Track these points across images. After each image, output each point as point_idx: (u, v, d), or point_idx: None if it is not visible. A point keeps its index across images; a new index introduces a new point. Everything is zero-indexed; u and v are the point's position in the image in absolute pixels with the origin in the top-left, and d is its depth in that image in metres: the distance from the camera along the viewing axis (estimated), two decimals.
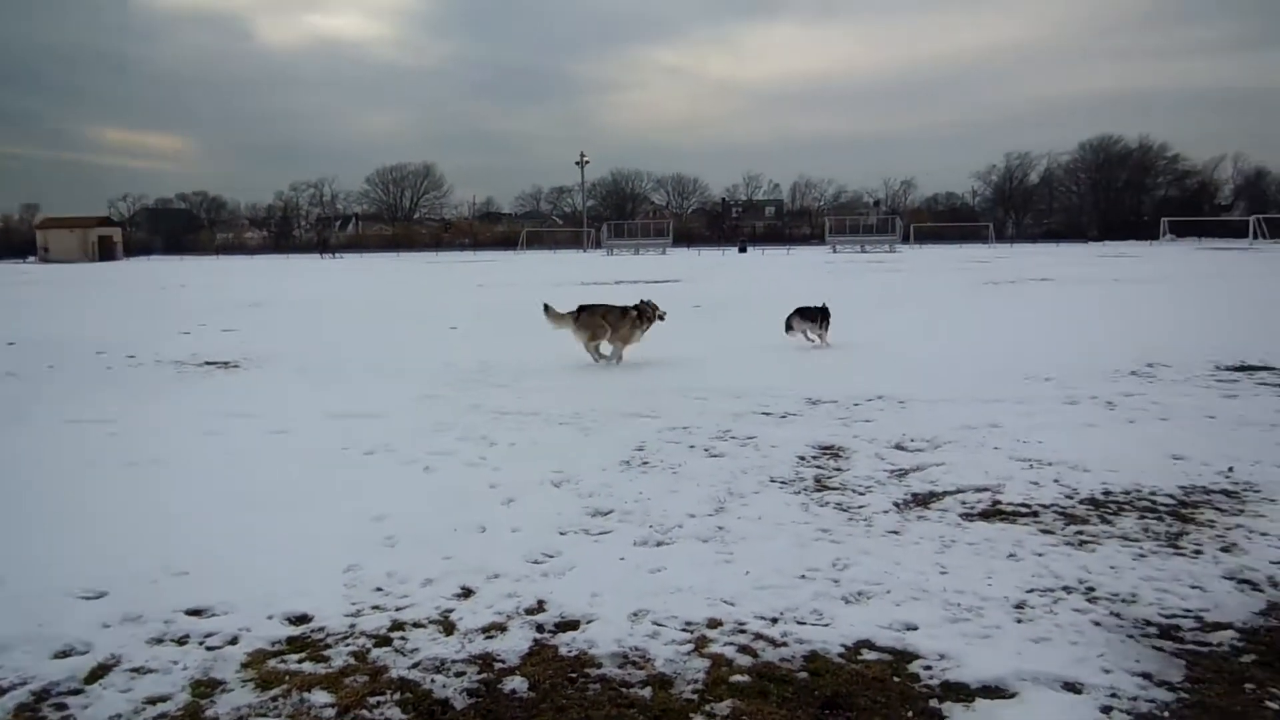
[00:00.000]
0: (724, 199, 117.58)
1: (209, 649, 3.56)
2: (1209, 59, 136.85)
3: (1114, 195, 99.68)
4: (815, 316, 11.66)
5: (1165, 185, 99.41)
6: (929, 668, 3.28)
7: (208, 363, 11.16)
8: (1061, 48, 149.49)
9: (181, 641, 3.63)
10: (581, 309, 10.41)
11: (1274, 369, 9.09)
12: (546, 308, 10.59)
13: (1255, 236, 67.54)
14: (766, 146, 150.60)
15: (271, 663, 3.45)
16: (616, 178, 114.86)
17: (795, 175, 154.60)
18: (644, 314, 10.49)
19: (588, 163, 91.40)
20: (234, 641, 3.61)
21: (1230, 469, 5.47)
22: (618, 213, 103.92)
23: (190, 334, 14.56)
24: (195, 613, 3.85)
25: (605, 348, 10.32)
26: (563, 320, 10.28)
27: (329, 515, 4.98)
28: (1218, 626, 3.53)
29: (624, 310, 10.49)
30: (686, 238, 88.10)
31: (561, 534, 4.65)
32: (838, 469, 5.71)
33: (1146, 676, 3.19)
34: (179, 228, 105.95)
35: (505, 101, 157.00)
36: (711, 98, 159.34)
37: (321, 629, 3.71)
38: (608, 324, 10.28)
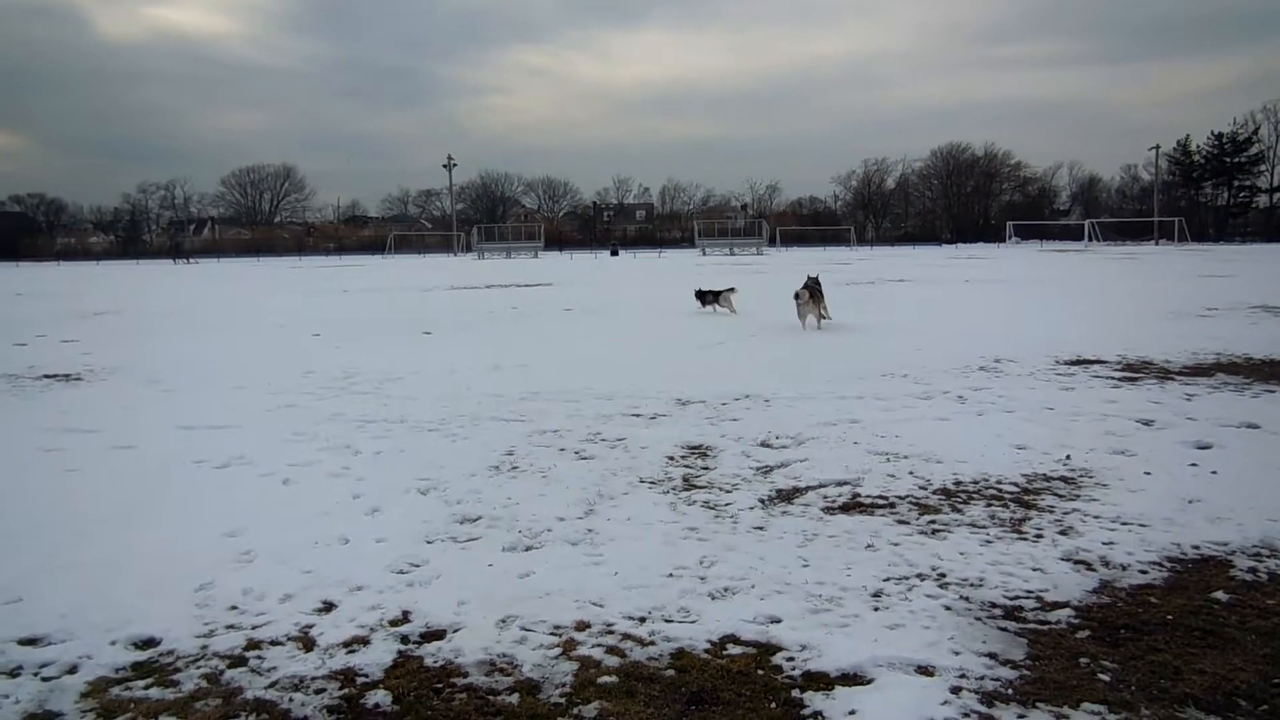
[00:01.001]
0: (595, 202, 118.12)
1: (44, 679, 3.33)
2: (1047, 72, 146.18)
3: (964, 200, 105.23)
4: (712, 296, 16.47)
5: (1010, 190, 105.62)
6: (791, 659, 3.37)
7: (46, 375, 10.44)
8: (917, 58, 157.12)
9: (13, 674, 3.38)
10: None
11: (1106, 362, 9.75)
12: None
13: (1090, 239, 72.56)
14: (636, 150, 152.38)
15: (115, 691, 3.26)
16: (486, 180, 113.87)
17: (665, 179, 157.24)
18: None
19: (455, 165, 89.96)
20: (73, 670, 3.39)
21: (1067, 457, 5.82)
22: (488, 216, 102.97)
23: (27, 345, 13.59)
24: (29, 642, 3.60)
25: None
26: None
27: (179, 533, 4.74)
28: (1056, 605, 3.75)
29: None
30: (559, 241, 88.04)
31: (428, 543, 4.56)
32: (705, 468, 5.80)
33: (992, 656, 3.36)
34: (13, 231, 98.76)
35: (370, 103, 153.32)
36: (581, 101, 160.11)
37: (170, 652, 3.52)
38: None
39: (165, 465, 6.14)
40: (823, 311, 13.59)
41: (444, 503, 5.18)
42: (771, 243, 74.62)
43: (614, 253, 70.98)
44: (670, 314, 16.59)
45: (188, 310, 20.53)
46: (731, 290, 16.72)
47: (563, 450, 6.32)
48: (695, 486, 5.40)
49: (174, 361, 11.42)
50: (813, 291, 13.37)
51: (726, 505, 5.04)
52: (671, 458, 6.07)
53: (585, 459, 6.07)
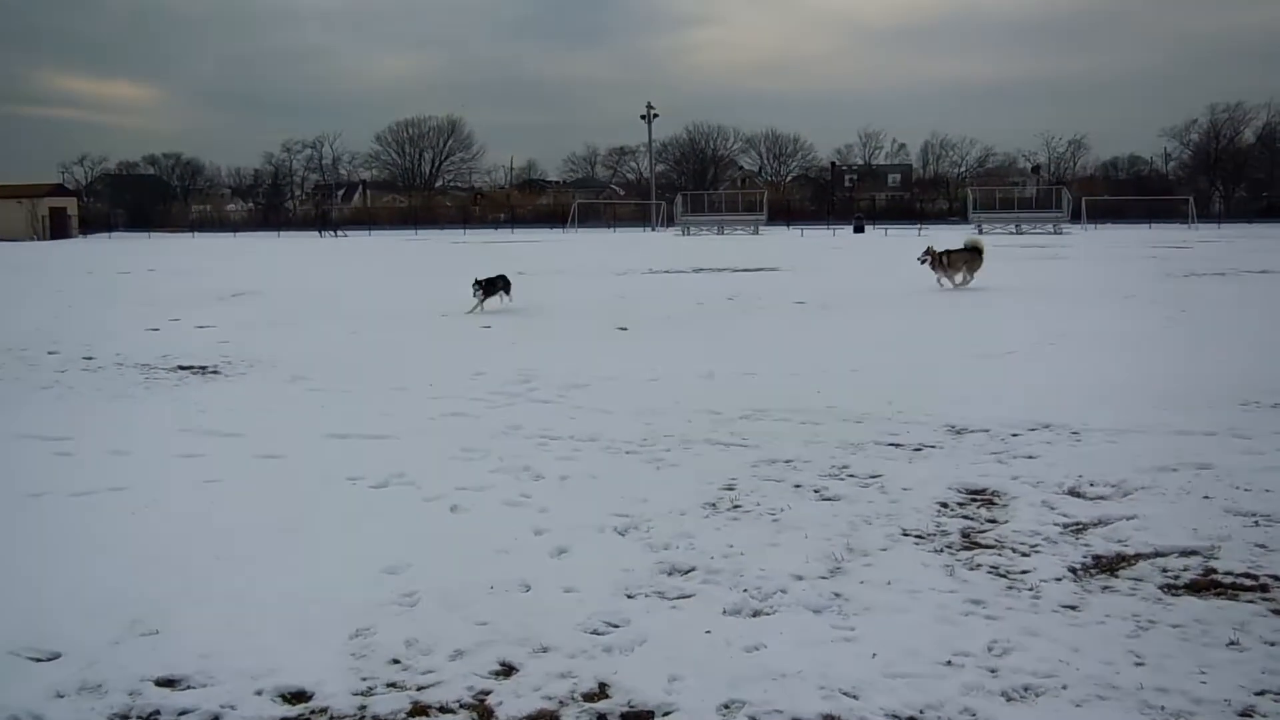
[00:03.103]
0: (834, 163, 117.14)
1: None
2: None
3: None
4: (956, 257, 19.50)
5: None
6: None
7: (181, 367, 11.47)
8: None
9: (150, 718, 3.70)
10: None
11: None
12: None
13: None
14: (889, 96, 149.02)
15: None
16: (694, 136, 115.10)
17: (927, 133, 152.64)
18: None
19: (656, 116, 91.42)
20: None
21: None
22: (696, 181, 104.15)
23: (160, 330, 14.97)
24: (167, 683, 3.93)
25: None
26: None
27: (332, 564, 5.05)
28: None
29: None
30: (786, 213, 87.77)
31: (629, 597, 4.65)
32: (992, 520, 5.64)
33: None
34: (146, 198, 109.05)
35: (550, 41, 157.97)
36: (817, 33, 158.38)
37: (324, 710, 3.75)
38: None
39: (315, 480, 6.58)
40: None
41: (648, 547, 5.27)
42: (1074, 218, 71.43)
43: (858, 228, 69.94)
44: (937, 309, 16.20)
45: (336, 293, 21.97)
46: (973, 251, 19.48)
47: (799, 487, 6.31)
48: (979, 545, 5.24)
49: (321, 355, 12.25)
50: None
51: (1023, 574, 4.85)
52: (945, 504, 5.93)
53: (829, 500, 6.04)
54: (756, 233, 67.25)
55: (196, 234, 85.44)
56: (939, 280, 19.63)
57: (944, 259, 19.80)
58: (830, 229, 70.49)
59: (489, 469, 6.80)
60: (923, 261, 19.96)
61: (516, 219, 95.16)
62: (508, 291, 17.40)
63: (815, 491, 6.21)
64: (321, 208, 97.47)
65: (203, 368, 11.42)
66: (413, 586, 4.77)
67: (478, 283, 17.07)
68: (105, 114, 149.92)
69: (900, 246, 44.62)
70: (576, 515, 5.76)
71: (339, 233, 77.98)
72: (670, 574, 4.91)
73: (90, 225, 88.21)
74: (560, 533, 5.47)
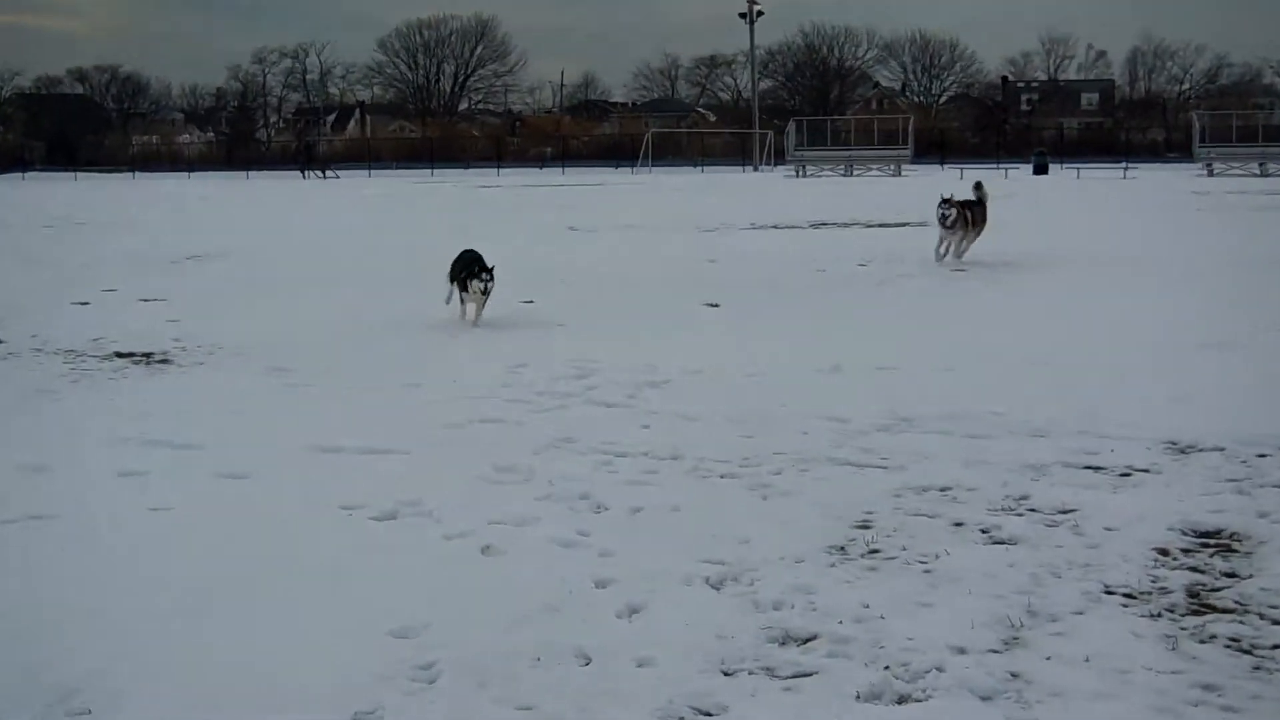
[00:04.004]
0: (1006, 78, 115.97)
1: None
2: None
3: None
4: None
5: None
6: None
7: (119, 354, 11.66)
8: None
9: None
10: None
11: None
12: None
13: None
14: None
15: None
16: (812, 42, 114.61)
17: (1136, 38, 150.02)
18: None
19: (761, 15, 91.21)
20: None
21: None
22: (814, 103, 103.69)
23: (90, 305, 15.22)
24: None
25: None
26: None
27: (321, 624, 5.09)
28: None
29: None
30: (938, 146, 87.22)
31: (726, 674, 4.63)
32: (1231, 574, 5.54)
33: None
34: (72, 125, 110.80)
35: None
36: None
37: None
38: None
39: (297, 509, 6.65)
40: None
41: (752, 605, 5.25)
42: None
43: (1039, 167, 69.04)
44: (1140, 284, 15.96)
45: (326, 255, 22.20)
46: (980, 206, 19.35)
47: (959, 525, 6.26)
48: (1212, 608, 5.15)
49: (307, 338, 12.41)
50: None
51: (1276, 649, 4.76)
52: (1164, 551, 5.85)
53: (1001, 543, 5.99)
54: (899, 173, 66.89)
55: (139, 174, 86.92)
56: (941, 249, 18.62)
57: (967, 215, 18.61)
58: (1000, 168, 69.84)
59: (533, 496, 6.81)
60: (946, 218, 18.30)
61: (569, 154, 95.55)
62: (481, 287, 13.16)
63: (982, 532, 6.15)
64: (305, 139, 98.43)
65: (148, 355, 11.60)
66: (431, 655, 4.78)
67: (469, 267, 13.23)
68: (18, 12, 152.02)
69: (1098, 192, 44.05)
70: (653, 561, 5.74)
71: (328, 172, 78.81)
72: (783, 643, 4.87)
73: (0, 160, 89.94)
74: (631, 584, 5.46)
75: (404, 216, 34.89)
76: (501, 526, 6.30)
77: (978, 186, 19.71)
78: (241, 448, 7.95)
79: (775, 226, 27.97)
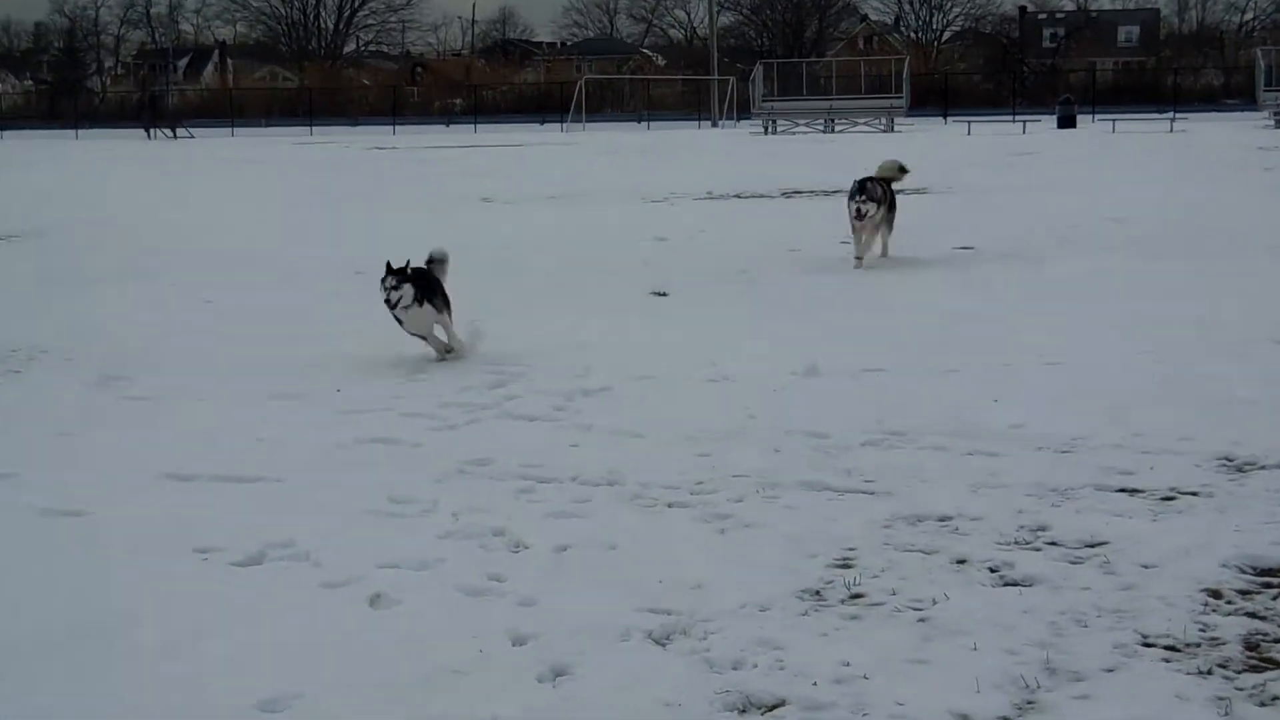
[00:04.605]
0: (1023, 9, 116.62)
1: None
2: None
3: None
4: None
5: None
6: None
7: None
8: None
9: None
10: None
11: None
12: None
13: None
14: None
15: None
16: None
17: None
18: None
19: None
20: None
21: None
22: (787, 42, 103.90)
23: None
24: None
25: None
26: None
27: (170, 694, 5.04)
28: None
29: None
30: (940, 95, 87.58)
31: None
32: None
33: None
34: None
35: None
36: None
37: None
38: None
39: (140, 554, 6.58)
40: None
41: (704, 664, 5.23)
42: None
43: (1065, 118, 69.21)
44: (1190, 265, 16.08)
45: (175, 235, 22.04)
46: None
47: (962, 564, 6.28)
48: (1274, 663, 5.17)
49: (152, 339, 12.31)
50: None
51: None
52: (1215, 593, 5.86)
53: (1014, 585, 6.00)
54: (891, 128, 67.05)
55: None
56: (857, 248, 16.66)
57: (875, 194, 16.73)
58: (1016, 120, 70.10)
59: (435, 533, 6.80)
60: (860, 208, 16.22)
61: (483, 108, 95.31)
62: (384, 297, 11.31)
63: (991, 571, 6.16)
64: (149, 89, 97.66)
65: None
66: None
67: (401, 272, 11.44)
68: None
69: (1138, 148, 44.22)
70: (583, 612, 5.72)
71: (179, 131, 78.32)
72: (743, 711, 4.87)
73: None
74: (556, 641, 5.44)
75: (274, 186, 34.58)
76: (395, 571, 6.26)
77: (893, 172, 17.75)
78: (68, 477, 7.89)
79: (738, 196, 28.06)
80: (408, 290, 10.63)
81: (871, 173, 17.42)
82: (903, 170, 17.84)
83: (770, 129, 68.44)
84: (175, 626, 5.70)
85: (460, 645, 5.44)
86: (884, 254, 17.09)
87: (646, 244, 19.50)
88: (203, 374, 10.81)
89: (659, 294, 14.53)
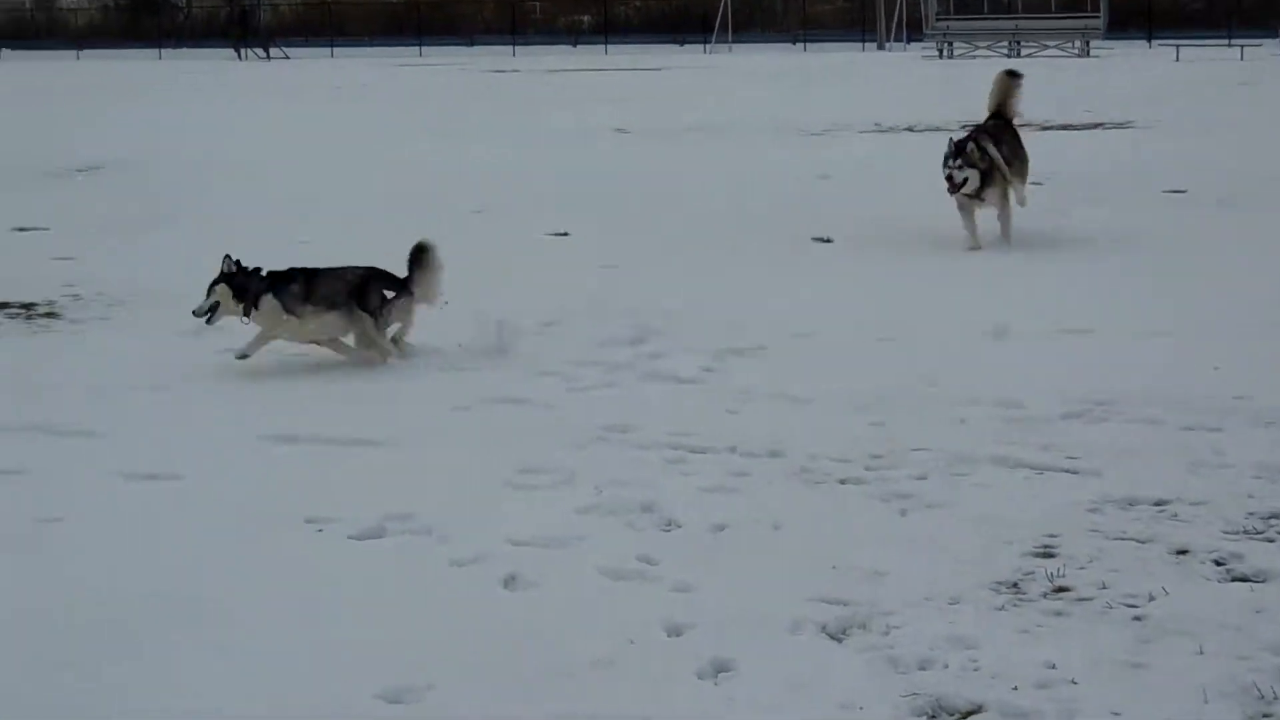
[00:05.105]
0: None
1: None
2: None
3: None
4: None
5: None
6: None
7: None
8: None
9: None
10: None
11: None
12: None
13: None
14: None
15: None
16: None
17: None
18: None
19: None
20: None
21: None
22: None
23: None
24: None
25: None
26: None
27: (283, 682, 5.09)
28: None
29: None
30: (1142, 15, 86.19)
31: None
32: None
33: None
34: None
35: None
36: None
37: None
38: None
39: (245, 524, 6.68)
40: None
41: (887, 663, 5.21)
42: None
43: None
44: None
45: (272, 168, 22.11)
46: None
47: (1183, 554, 6.21)
48: None
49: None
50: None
51: None
52: None
53: (1243, 580, 5.93)
54: (1085, 52, 66.16)
55: (4, 50, 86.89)
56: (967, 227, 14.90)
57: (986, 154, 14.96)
58: (1233, 44, 68.81)
59: (574, 507, 6.83)
60: (952, 174, 14.55)
61: (614, 26, 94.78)
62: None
63: (1217, 564, 6.09)
64: (240, 5, 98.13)
65: (27, 307, 11.73)
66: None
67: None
68: None
69: None
70: (746, 599, 5.73)
71: (272, 51, 78.74)
72: (933, 717, 4.86)
73: None
74: (715, 632, 5.44)
75: (379, 115, 34.60)
76: (530, 549, 6.31)
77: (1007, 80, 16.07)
78: (161, 437, 8.01)
79: (910, 129, 27.81)
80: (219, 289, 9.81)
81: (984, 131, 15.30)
82: (1013, 76, 16.03)
83: (945, 52, 67.77)
84: (286, 606, 5.78)
85: (606, 635, 5.46)
86: (1005, 235, 14.69)
87: (806, 183, 19.38)
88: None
89: (821, 240, 14.47)
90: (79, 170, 21.66)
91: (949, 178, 14.50)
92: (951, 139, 15.01)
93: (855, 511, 6.83)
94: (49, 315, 11.38)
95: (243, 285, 9.71)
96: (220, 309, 9.69)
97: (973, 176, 14.45)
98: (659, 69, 56.37)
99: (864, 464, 7.45)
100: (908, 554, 6.22)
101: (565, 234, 14.74)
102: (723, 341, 10.04)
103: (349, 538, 6.52)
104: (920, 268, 13.08)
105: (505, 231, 14.15)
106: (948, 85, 43.27)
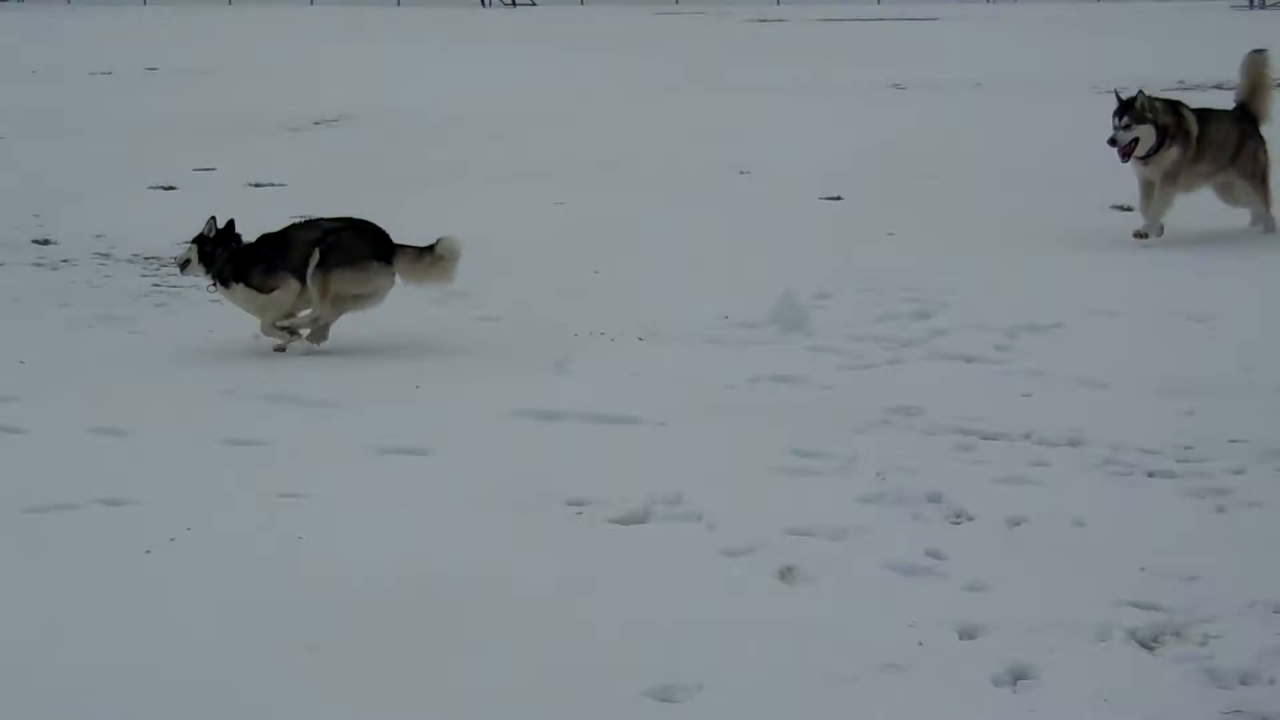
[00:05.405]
0: None
1: None
2: None
3: None
4: None
5: None
6: None
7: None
8: None
9: None
10: None
11: None
12: None
13: None
14: None
15: None
16: None
17: None
18: None
19: None
20: None
21: None
22: None
23: (179, 190, 15.65)
24: None
25: None
26: None
27: (541, 671, 5.12)
28: None
29: None
30: None
31: None
32: None
33: None
34: None
35: None
36: None
37: None
38: None
39: (499, 505, 6.75)
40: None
41: (1205, 675, 5.12)
42: None
43: None
44: None
45: (517, 124, 22.13)
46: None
47: None
48: None
49: (499, 244, 12.31)
50: None
51: None
52: None
53: None
54: None
55: None
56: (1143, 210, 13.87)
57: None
58: None
59: (855, 496, 6.83)
60: (1115, 136, 13.70)
61: None
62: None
63: None
64: None
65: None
66: None
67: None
68: None
69: None
70: (1046, 601, 5.69)
71: None
72: None
73: None
74: (1013, 636, 5.41)
75: (634, 67, 34.33)
76: (807, 539, 6.31)
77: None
78: (407, 410, 8.14)
79: (1219, 87, 27.11)
80: (191, 248, 10.07)
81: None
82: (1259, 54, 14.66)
83: (1257, 2, 66.15)
84: (546, 593, 5.85)
85: (893, 635, 5.45)
86: (1265, 226, 13.51)
87: (1101, 146, 19.00)
88: (559, 290, 11.04)
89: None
90: (316, 123, 21.92)
91: (1111, 140, 13.52)
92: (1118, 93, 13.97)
93: (1166, 508, 6.75)
94: None
95: (210, 254, 9.91)
96: (190, 266, 9.93)
97: (1144, 134, 13.36)
98: (935, 19, 55.75)
99: (1175, 456, 7.36)
100: (1226, 555, 6.13)
101: (838, 198, 14.68)
102: (1015, 318, 9.99)
103: (610, 521, 6.57)
104: (1236, 242, 12.91)
105: (773, 194, 14.09)
106: (1257, 41, 42.27)
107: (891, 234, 12.78)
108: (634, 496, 6.74)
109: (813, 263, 11.38)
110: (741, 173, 16.19)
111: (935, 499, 6.77)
